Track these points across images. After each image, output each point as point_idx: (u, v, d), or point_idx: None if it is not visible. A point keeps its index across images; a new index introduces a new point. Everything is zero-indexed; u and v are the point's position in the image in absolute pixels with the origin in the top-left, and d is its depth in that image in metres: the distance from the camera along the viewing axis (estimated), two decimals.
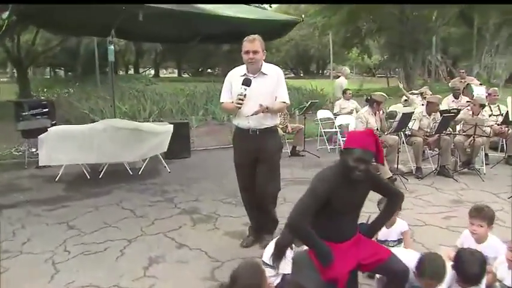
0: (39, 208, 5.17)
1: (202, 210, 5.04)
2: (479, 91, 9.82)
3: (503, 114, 7.43)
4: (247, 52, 3.57)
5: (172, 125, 6.79)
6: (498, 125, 7.26)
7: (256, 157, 3.74)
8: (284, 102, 3.76)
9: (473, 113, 6.76)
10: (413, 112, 6.48)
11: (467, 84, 10.00)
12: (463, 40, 29.22)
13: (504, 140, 7.38)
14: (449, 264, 2.55)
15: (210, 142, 9.49)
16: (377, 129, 6.26)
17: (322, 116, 8.95)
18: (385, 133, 6.38)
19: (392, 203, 2.70)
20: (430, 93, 8.42)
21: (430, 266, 2.46)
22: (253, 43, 3.56)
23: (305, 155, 8.06)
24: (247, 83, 3.53)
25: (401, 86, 8.61)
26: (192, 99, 14.20)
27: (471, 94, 9.62)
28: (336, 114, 8.79)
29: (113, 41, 6.91)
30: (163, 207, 5.21)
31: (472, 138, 6.38)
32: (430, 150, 7.05)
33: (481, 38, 23.83)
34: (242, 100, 3.51)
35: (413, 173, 6.46)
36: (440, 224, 4.51)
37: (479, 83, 10.83)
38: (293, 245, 2.98)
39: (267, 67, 3.69)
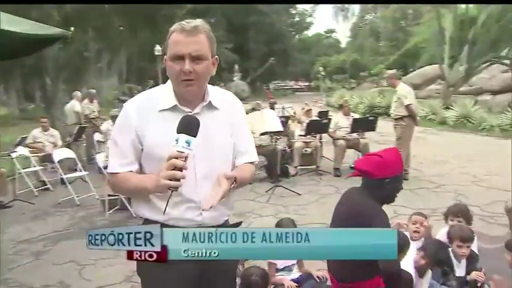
0: None
1: None
2: None
3: None
4: (180, 57, 1.55)
5: None
6: None
7: (201, 277, 1.70)
8: (253, 163, 1.83)
9: None
10: None
11: None
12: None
13: None
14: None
15: None
16: None
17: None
18: None
19: None
20: None
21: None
22: (195, 37, 1.55)
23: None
24: (190, 128, 1.49)
25: None
26: None
27: None
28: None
29: None
30: None
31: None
32: None
33: (85, 61, 21.05)
34: (181, 170, 1.47)
35: None
36: None
37: None
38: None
39: (216, 93, 1.73)
